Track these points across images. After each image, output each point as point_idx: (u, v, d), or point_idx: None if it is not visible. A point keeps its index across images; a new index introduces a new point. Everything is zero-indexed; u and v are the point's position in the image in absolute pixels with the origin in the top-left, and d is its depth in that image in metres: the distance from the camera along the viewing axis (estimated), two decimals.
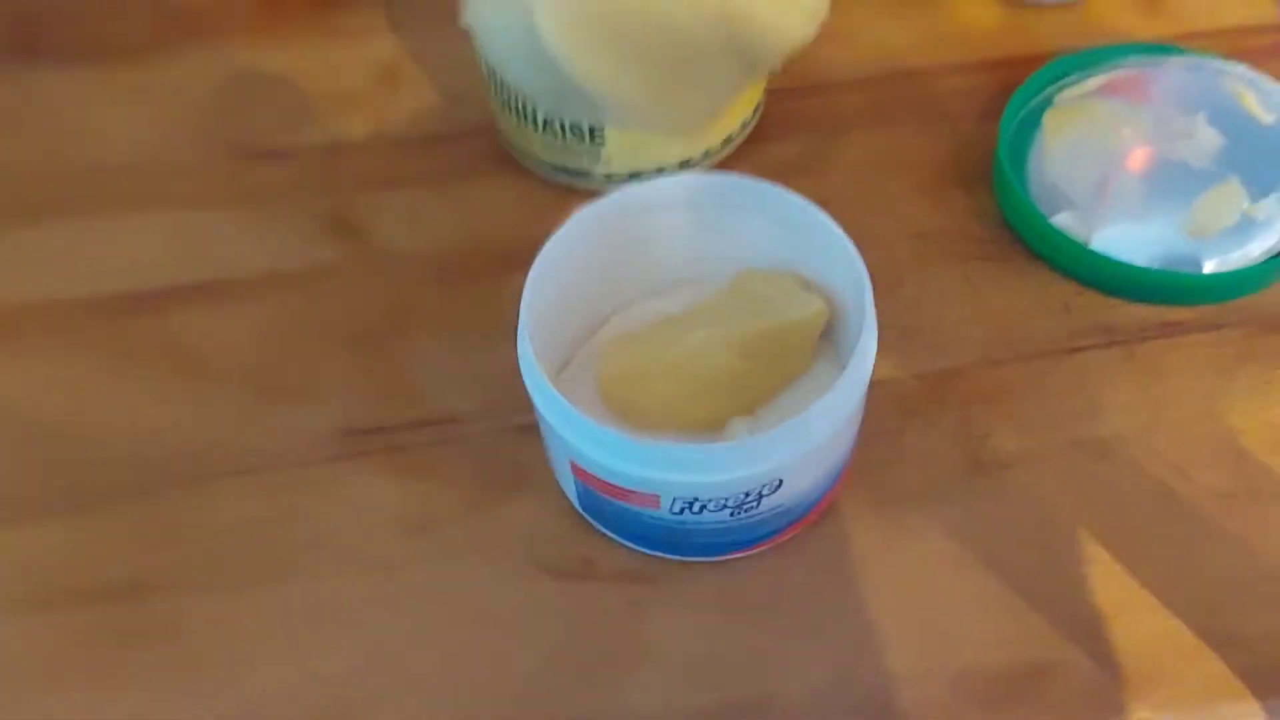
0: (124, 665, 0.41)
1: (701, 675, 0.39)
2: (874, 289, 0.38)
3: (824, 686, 0.39)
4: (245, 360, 0.47)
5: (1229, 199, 0.46)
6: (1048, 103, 0.51)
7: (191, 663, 0.41)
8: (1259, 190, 0.46)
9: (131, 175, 0.54)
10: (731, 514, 0.38)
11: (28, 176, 0.54)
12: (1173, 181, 0.47)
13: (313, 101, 0.56)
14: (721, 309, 0.42)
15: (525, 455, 0.44)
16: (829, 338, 0.43)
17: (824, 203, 0.43)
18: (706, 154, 0.50)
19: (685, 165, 0.50)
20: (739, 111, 0.50)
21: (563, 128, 0.47)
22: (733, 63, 0.44)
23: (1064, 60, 0.52)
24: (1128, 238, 0.47)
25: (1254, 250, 0.46)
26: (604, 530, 0.42)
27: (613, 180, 0.49)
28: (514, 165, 0.52)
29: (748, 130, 0.51)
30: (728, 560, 0.41)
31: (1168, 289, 0.46)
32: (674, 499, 0.37)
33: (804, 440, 0.36)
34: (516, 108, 0.48)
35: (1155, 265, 0.46)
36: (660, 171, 0.49)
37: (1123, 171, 0.48)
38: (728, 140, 0.50)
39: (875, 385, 0.39)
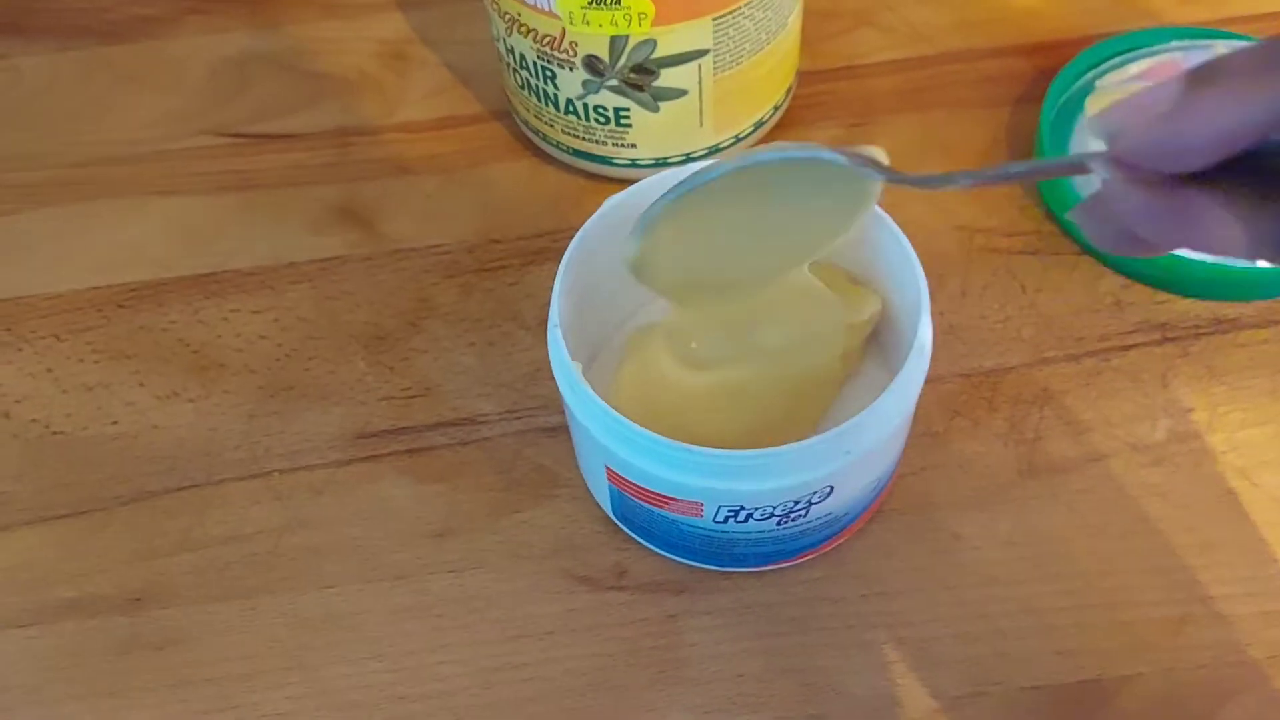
0: (125, 678, 0.38)
1: (743, 694, 0.37)
2: None
3: (873, 705, 0.37)
4: (252, 356, 0.45)
5: None
6: (1089, 88, 0.49)
7: (197, 677, 0.38)
8: None
9: (127, 160, 0.51)
10: (778, 523, 0.36)
11: (19, 161, 0.51)
12: None
13: (316, 83, 0.53)
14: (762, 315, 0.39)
15: (551, 457, 0.42)
16: (877, 337, 0.41)
17: None
18: (737, 139, 0.47)
19: (714, 151, 0.47)
20: (770, 94, 0.47)
21: (586, 110, 0.45)
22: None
23: (1104, 44, 0.50)
24: None
25: None
26: (638, 538, 0.39)
27: (637, 166, 0.47)
28: (532, 150, 0.50)
29: (779, 113, 0.49)
30: (768, 570, 0.39)
31: (1221, 284, 0.44)
32: (718, 507, 0.35)
33: (857, 445, 0.34)
34: (534, 86, 0.45)
35: (1208, 259, 0.44)
36: (688, 157, 0.47)
37: None
38: (759, 124, 0.48)
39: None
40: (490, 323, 0.45)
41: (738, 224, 0.34)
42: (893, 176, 0.30)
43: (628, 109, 0.44)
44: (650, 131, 0.46)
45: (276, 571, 0.40)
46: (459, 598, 0.39)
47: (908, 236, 0.37)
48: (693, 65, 0.43)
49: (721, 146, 0.47)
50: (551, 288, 0.37)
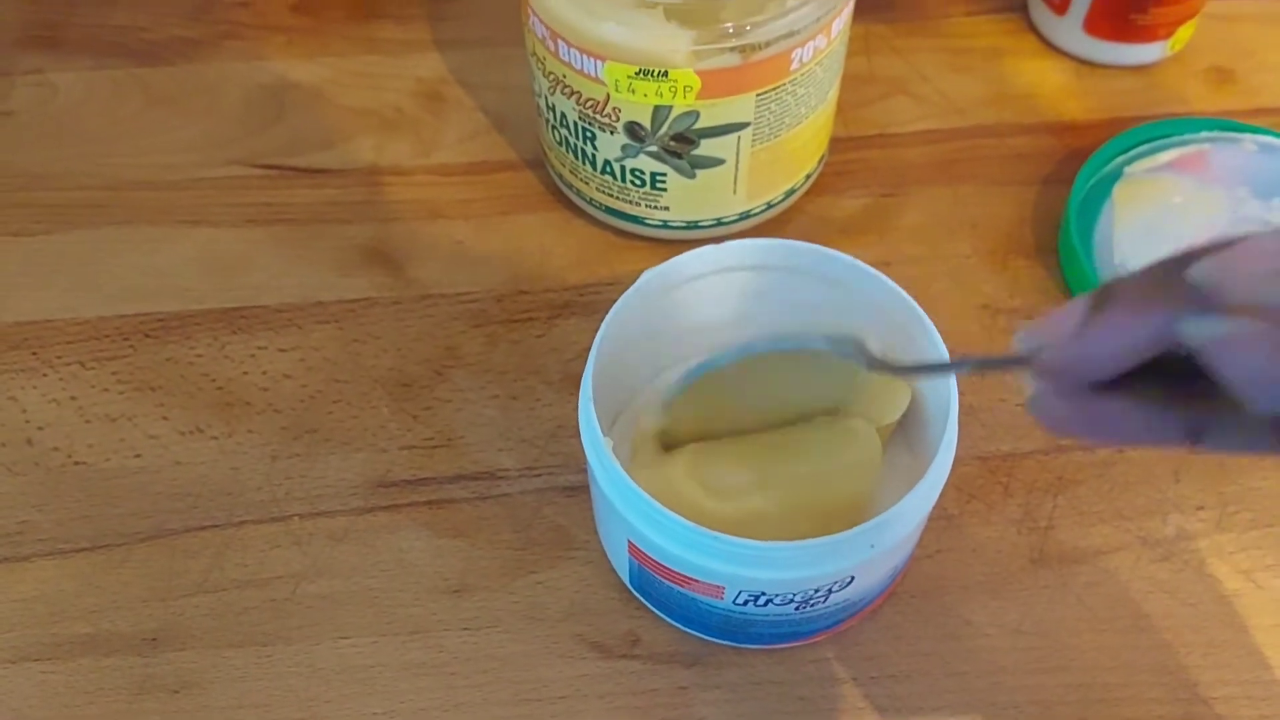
0: None
1: None
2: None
3: None
4: (276, 396, 0.45)
5: None
6: (1117, 173, 0.50)
7: None
8: None
9: (159, 185, 0.51)
10: (796, 608, 0.36)
11: (52, 180, 0.51)
12: None
13: (352, 118, 0.53)
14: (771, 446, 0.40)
15: (569, 518, 0.42)
16: (901, 418, 0.41)
17: (886, 263, 0.41)
18: (769, 206, 0.48)
19: (745, 216, 0.48)
20: (805, 163, 0.48)
21: (623, 171, 0.45)
22: None
23: (1135, 131, 0.51)
24: None
25: None
26: (653, 608, 0.40)
27: (669, 228, 0.47)
28: (564, 201, 0.50)
29: (810, 181, 0.49)
30: (780, 648, 0.39)
31: None
32: (739, 591, 0.35)
33: (881, 540, 0.35)
34: (573, 145, 0.46)
35: None
36: (719, 221, 0.47)
37: None
38: (790, 192, 0.48)
39: None
40: (514, 376, 0.46)
41: (749, 392, 0.38)
42: (873, 364, 0.33)
43: (665, 174, 0.45)
44: (684, 196, 0.46)
45: (293, 619, 0.40)
46: (473, 656, 0.40)
47: (932, 313, 0.37)
48: (733, 136, 0.43)
49: (753, 213, 0.48)
50: (576, 342, 0.37)
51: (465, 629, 0.40)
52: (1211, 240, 0.25)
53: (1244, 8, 0.57)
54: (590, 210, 0.49)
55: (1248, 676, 0.39)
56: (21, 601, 0.41)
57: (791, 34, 0.41)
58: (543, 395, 0.45)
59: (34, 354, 0.46)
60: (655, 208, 0.47)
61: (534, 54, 0.44)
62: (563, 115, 0.45)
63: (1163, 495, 0.43)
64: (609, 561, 0.41)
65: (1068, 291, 0.48)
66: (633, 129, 0.43)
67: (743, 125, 0.43)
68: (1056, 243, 0.49)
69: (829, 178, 0.51)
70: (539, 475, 0.43)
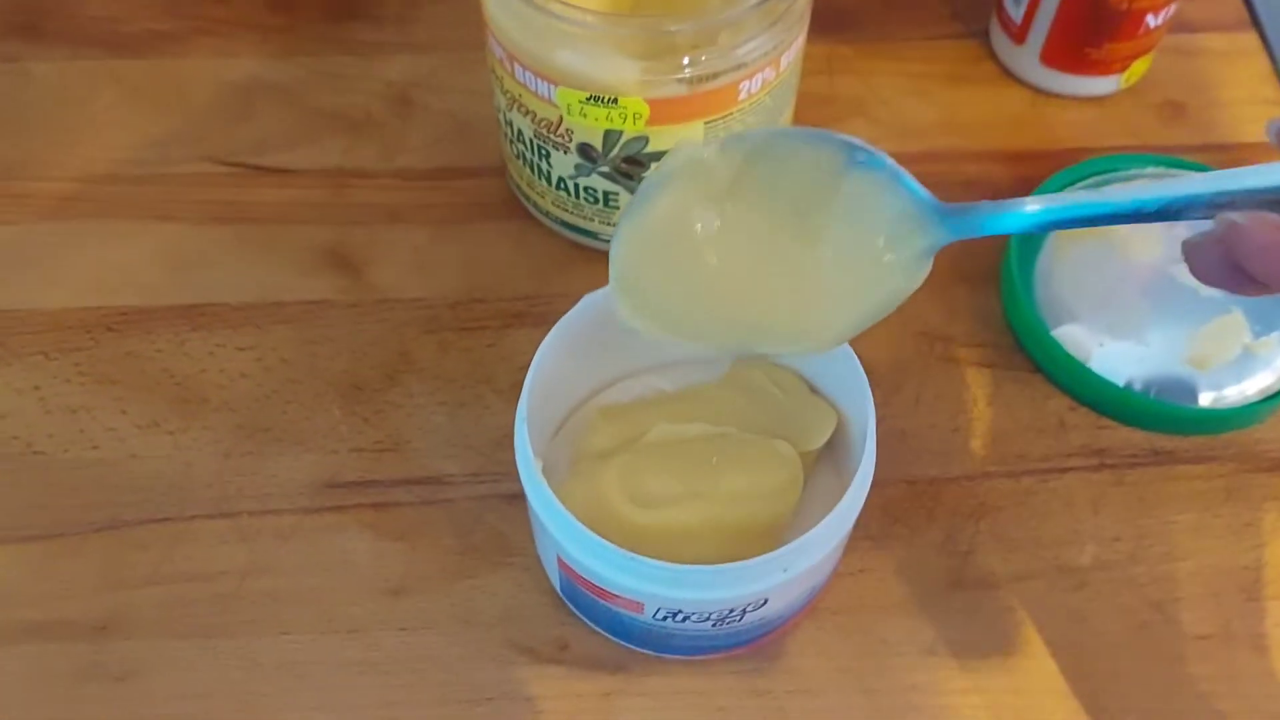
0: (80, 706, 0.40)
1: None
2: (873, 388, 0.38)
3: None
4: (232, 394, 0.47)
5: (1231, 332, 0.47)
6: None
7: (150, 712, 0.40)
8: (1263, 326, 0.47)
9: (127, 180, 0.52)
10: (713, 625, 0.38)
11: (22, 169, 0.53)
12: (1179, 306, 0.47)
13: (320, 119, 0.54)
14: (723, 409, 0.42)
15: (509, 524, 0.44)
16: (829, 445, 0.43)
17: None
18: None
19: None
20: None
21: (577, 189, 0.47)
22: None
23: (1083, 165, 0.52)
24: (1127, 357, 0.47)
25: (1250, 388, 0.46)
26: (581, 616, 0.41)
27: None
28: (522, 211, 0.51)
29: None
30: (702, 659, 0.41)
31: (1161, 417, 0.46)
32: (658, 608, 0.37)
33: (794, 565, 0.36)
34: (529, 160, 0.47)
35: (1152, 389, 0.46)
36: None
37: (1129, 290, 0.48)
38: None
39: None
40: (464, 384, 0.47)
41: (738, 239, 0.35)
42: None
43: (617, 193, 0.46)
44: None
45: (237, 614, 0.42)
46: (407, 657, 0.41)
47: (867, 340, 0.38)
48: None
49: None
50: (526, 352, 0.38)
51: (402, 629, 0.42)
52: None
53: (1201, 43, 0.58)
54: (547, 222, 0.50)
55: (1149, 705, 0.41)
56: None
57: (739, 66, 0.42)
58: (491, 404, 0.47)
59: (1, 344, 0.48)
60: (609, 224, 0.48)
61: (494, 71, 0.46)
62: (520, 131, 0.46)
63: (1081, 525, 0.44)
64: (543, 568, 0.42)
65: (1006, 322, 0.49)
66: (585, 150, 0.44)
67: None
68: (999, 272, 0.50)
69: None
70: (483, 482, 0.45)
